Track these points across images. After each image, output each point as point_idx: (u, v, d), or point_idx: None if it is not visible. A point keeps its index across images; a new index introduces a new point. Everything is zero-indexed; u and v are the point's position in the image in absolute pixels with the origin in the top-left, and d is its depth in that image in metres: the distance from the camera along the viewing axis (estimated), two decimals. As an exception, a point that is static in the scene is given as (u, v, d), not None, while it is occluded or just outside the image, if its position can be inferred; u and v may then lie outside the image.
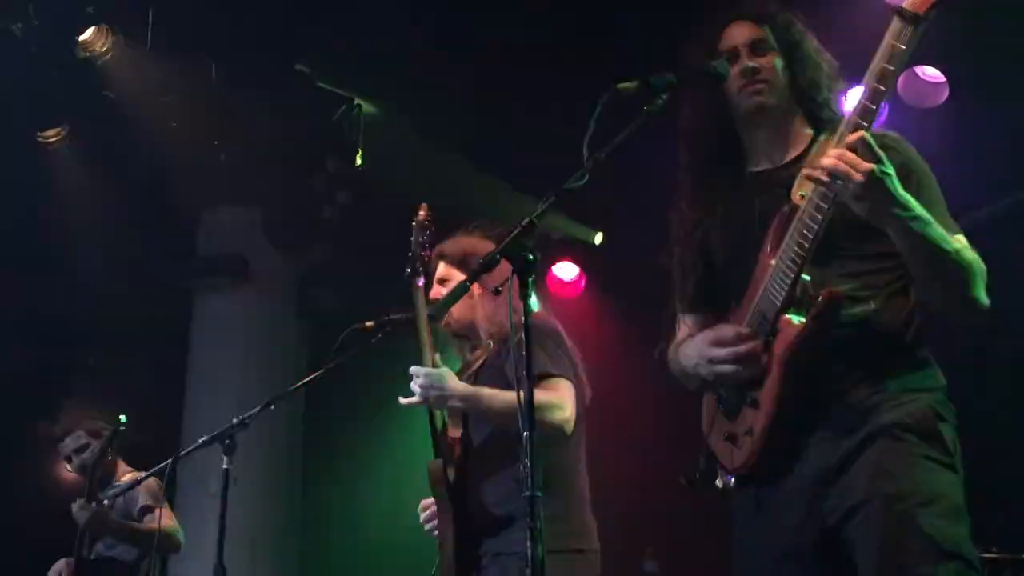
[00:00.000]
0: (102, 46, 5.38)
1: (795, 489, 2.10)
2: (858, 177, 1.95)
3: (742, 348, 2.13)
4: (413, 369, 3.04)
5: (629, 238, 6.15)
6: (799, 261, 2.07)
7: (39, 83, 5.43)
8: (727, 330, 2.18)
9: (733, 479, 2.18)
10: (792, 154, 2.27)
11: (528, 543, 1.91)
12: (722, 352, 2.15)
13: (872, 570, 1.97)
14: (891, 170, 1.98)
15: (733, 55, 2.26)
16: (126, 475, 4.60)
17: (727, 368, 2.15)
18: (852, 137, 1.98)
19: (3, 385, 6.68)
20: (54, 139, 6.05)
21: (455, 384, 3.01)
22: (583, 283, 6.61)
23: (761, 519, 2.17)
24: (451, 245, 3.32)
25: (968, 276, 2.05)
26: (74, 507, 4.33)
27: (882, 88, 1.98)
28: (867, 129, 1.99)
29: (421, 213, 3.29)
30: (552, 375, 3.03)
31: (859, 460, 2.04)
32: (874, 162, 1.95)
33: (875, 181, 1.95)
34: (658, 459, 5.81)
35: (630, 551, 5.91)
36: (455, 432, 3.18)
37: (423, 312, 3.17)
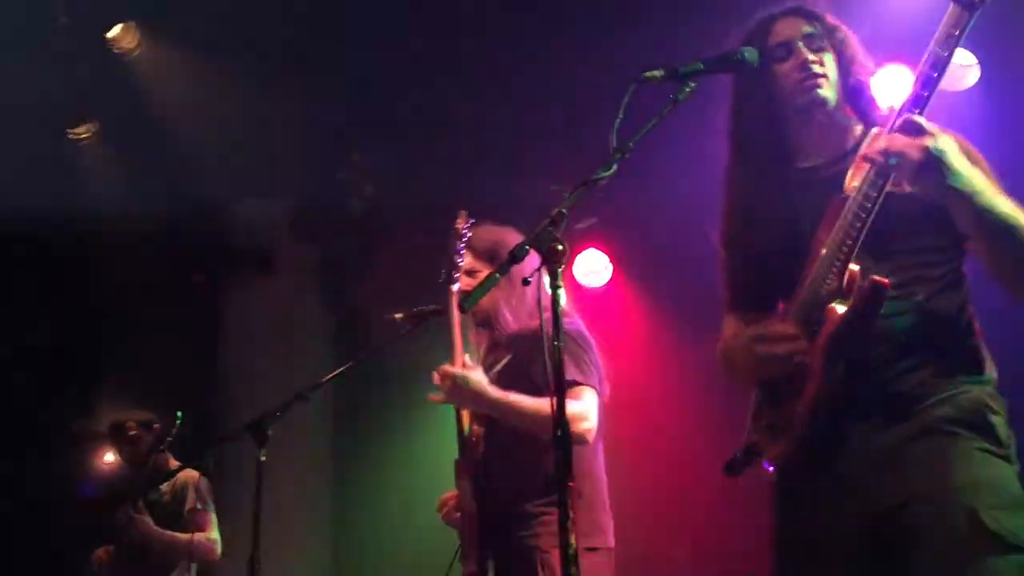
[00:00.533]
0: (130, 42, 5.43)
1: (841, 480, 2.08)
2: (915, 154, 1.93)
3: (780, 349, 2.12)
4: (442, 370, 3.06)
5: (658, 226, 6.13)
6: (848, 251, 2.06)
7: (69, 80, 5.48)
8: (772, 328, 2.18)
9: (772, 468, 2.17)
10: (842, 150, 2.26)
11: (561, 534, 1.92)
12: (764, 349, 2.15)
13: (929, 564, 1.95)
14: (947, 147, 1.95)
15: (787, 49, 2.24)
16: (176, 470, 4.64)
17: (770, 365, 2.15)
18: (903, 121, 1.97)
19: (35, 379, 6.77)
20: (84, 135, 6.11)
21: (484, 388, 3.03)
22: (611, 272, 6.58)
23: (805, 510, 2.15)
24: (478, 236, 3.33)
25: None
26: (119, 513, 4.39)
27: (935, 75, 1.97)
28: (919, 115, 1.98)
29: (459, 222, 3.29)
30: (578, 383, 3.04)
31: (910, 453, 2.03)
32: (931, 138, 1.94)
33: (932, 157, 1.93)
34: (689, 449, 5.80)
35: (664, 545, 5.90)
36: (479, 429, 3.20)
37: (456, 319, 3.18)
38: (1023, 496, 2.01)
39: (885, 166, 1.99)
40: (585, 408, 3.02)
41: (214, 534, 4.53)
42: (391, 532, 6.71)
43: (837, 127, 2.27)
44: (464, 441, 3.20)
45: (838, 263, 2.07)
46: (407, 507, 6.29)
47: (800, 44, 2.24)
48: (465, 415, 3.21)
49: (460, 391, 3.01)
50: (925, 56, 1.98)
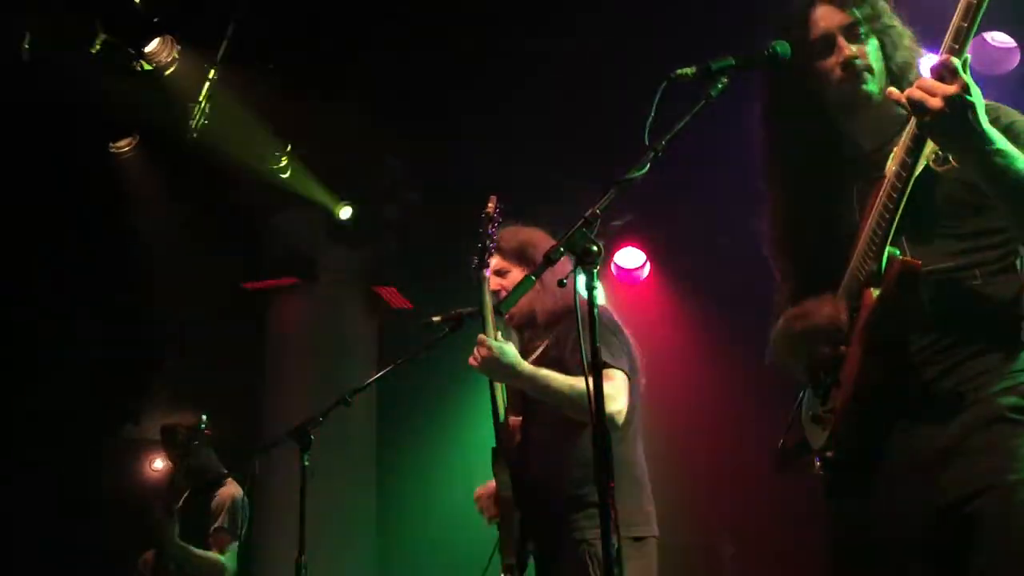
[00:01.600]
0: (167, 56, 5.50)
1: (900, 472, 2.04)
2: (935, 102, 1.83)
3: (818, 319, 2.10)
4: (481, 337, 3.09)
5: (695, 223, 6.11)
6: (883, 233, 2.01)
7: (109, 95, 5.56)
8: (810, 304, 2.14)
9: (819, 461, 2.13)
10: (890, 134, 2.18)
11: (603, 530, 1.92)
12: (800, 324, 2.12)
13: (995, 556, 1.91)
14: (977, 99, 1.84)
15: (827, 42, 2.17)
16: (222, 477, 4.68)
17: (811, 340, 2.11)
18: (936, 64, 1.86)
19: (88, 390, 6.90)
20: (126, 149, 6.21)
21: (517, 360, 3.06)
22: (648, 269, 6.57)
23: (861, 503, 2.10)
24: (507, 237, 3.34)
25: None
26: (149, 515, 4.45)
27: (956, 46, 1.87)
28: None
29: (490, 205, 3.32)
30: (608, 366, 3.04)
31: (974, 444, 1.97)
32: (959, 87, 1.83)
33: (954, 106, 1.83)
34: (729, 443, 5.78)
35: (707, 535, 5.88)
36: (516, 419, 3.22)
37: (489, 301, 3.21)
38: None
39: (916, 139, 1.93)
40: (614, 388, 3.02)
41: (225, 557, 4.55)
42: (434, 533, 6.75)
43: (884, 114, 2.18)
44: (501, 430, 3.22)
45: (875, 247, 2.02)
46: (450, 505, 6.32)
47: (840, 37, 2.17)
48: (501, 404, 3.22)
49: (495, 361, 3.03)
50: (949, 29, 1.90)
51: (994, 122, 1.95)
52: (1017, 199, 1.94)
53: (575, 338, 3.03)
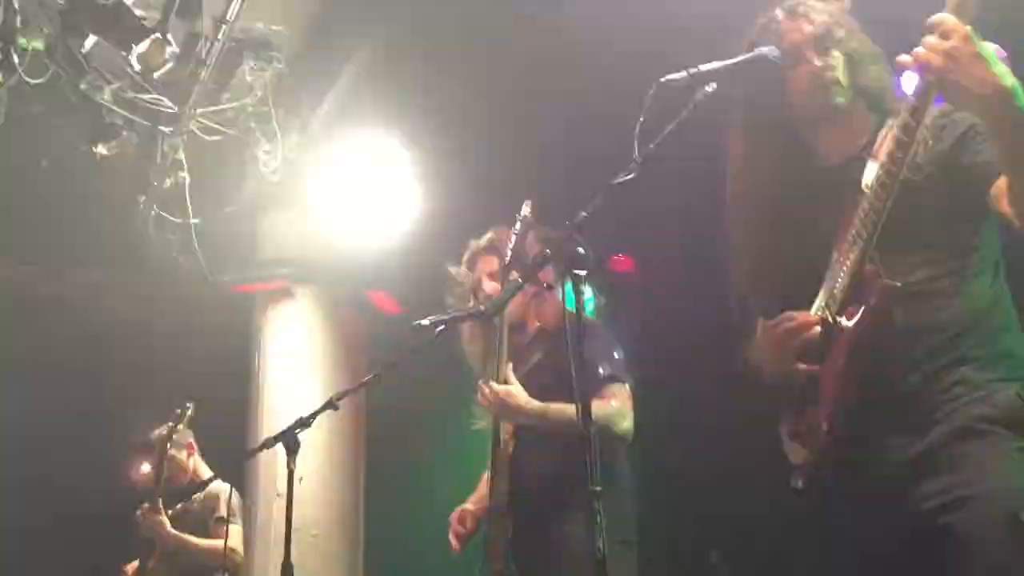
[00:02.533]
0: (158, 58, 5.48)
1: (876, 484, 2.05)
2: (936, 59, 1.79)
3: (794, 323, 2.10)
4: (483, 387, 3.16)
5: (673, 230, 6.11)
6: (862, 249, 2.02)
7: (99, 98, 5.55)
8: (788, 314, 2.15)
9: (801, 480, 2.14)
10: (860, 146, 2.20)
11: (593, 536, 1.93)
12: (778, 329, 2.13)
13: (970, 567, 1.92)
14: (987, 53, 1.80)
15: (795, 55, 2.19)
16: (208, 480, 4.69)
17: (788, 342, 2.12)
18: (928, 23, 1.84)
19: (75, 393, 6.87)
20: (114, 150, 6.17)
21: (523, 403, 3.11)
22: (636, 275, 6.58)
23: (841, 516, 2.12)
24: (496, 239, 3.35)
25: None
26: (139, 516, 4.43)
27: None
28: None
29: (526, 208, 3.26)
30: (614, 379, 3.07)
31: (948, 455, 1.98)
32: (959, 39, 1.79)
33: (958, 58, 1.78)
34: (721, 450, 5.78)
35: (695, 541, 5.88)
36: (510, 427, 3.23)
37: (506, 330, 3.23)
38: None
39: (900, 145, 1.93)
40: (624, 406, 3.09)
41: (233, 543, 4.57)
42: (422, 537, 6.72)
43: (854, 125, 2.23)
44: (496, 439, 3.24)
45: (851, 262, 2.04)
46: (439, 510, 6.30)
47: (807, 51, 2.19)
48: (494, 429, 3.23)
49: (503, 406, 3.11)
50: None
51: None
52: None
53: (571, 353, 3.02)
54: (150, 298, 6.81)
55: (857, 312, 2.02)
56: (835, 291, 2.07)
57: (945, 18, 1.82)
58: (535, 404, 3.08)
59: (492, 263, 3.34)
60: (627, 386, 3.13)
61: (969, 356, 2.03)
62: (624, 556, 3.03)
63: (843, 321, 2.04)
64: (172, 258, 6.35)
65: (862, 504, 2.07)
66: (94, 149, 5.60)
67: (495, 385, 3.12)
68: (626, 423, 3.06)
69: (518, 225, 3.21)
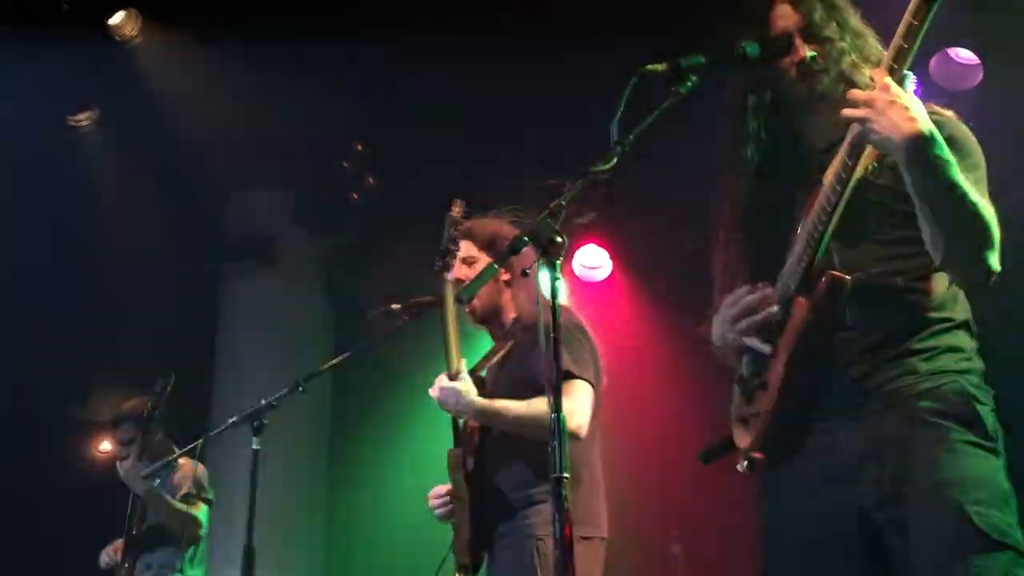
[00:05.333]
0: (132, 30, 5.42)
1: (825, 474, 2.07)
2: (858, 112, 1.92)
3: (757, 317, 2.12)
4: (436, 381, 3.12)
5: (658, 220, 6.13)
6: (816, 239, 2.05)
7: (70, 67, 5.47)
8: (745, 293, 2.17)
9: (746, 463, 2.15)
10: (840, 136, 2.16)
11: (554, 524, 1.92)
12: (742, 323, 2.14)
13: (916, 559, 1.93)
14: (908, 100, 1.91)
15: (785, 42, 2.20)
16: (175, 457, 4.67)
17: (744, 330, 2.14)
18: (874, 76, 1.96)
19: (34, 369, 6.77)
20: (84, 122, 6.10)
21: (471, 399, 3.06)
22: (610, 267, 6.58)
23: (789, 505, 2.14)
24: (478, 226, 3.32)
25: (986, 234, 1.97)
26: (120, 464, 4.43)
27: (895, 67, 1.94)
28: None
29: (455, 208, 3.29)
30: (572, 376, 3.03)
31: (896, 448, 2.00)
32: (880, 89, 1.92)
33: (877, 107, 1.91)
34: (684, 443, 5.81)
35: (655, 534, 5.91)
36: (473, 422, 3.21)
37: (451, 306, 3.18)
38: (1010, 491, 1.98)
39: (852, 149, 1.98)
40: (575, 404, 3.02)
41: (201, 516, 4.58)
42: (385, 524, 6.72)
43: (838, 115, 2.22)
44: (459, 432, 3.22)
45: (808, 252, 2.06)
46: (402, 499, 6.30)
47: (797, 37, 2.20)
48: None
49: (447, 404, 3.09)
50: (891, 47, 1.96)
51: (937, 125, 1.97)
52: (940, 216, 1.96)
53: (540, 353, 3.02)
54: (117, 272, 6.72)
55: (806, 302, 2.05)
56: (789, 279, 2.10)
57: (875, 71, 1.95)
58: (480, 401, 3.04)
59: (468, 247, 3.31)
60: (586, 384, 3.07)
61: (916, 348, 2.05)
62: (585, 551, 2.99)
63: (794, 311, 2.06)
64: (138, 234, 6.29)
65: (810, 491, 2.08)
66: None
67: (444, 380, 3.10)
68: (576, 419, 2.97)
69: (446, 225, 3.25)
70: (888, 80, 1.92)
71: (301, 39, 5.61)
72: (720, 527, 5.68)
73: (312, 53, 5.70)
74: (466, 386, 3.07)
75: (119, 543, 4.58)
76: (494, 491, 3.12)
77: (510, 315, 3.29)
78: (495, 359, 3.25)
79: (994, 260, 1.99)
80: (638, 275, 6.58)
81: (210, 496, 4.72)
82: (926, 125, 1.91)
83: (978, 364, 2.09)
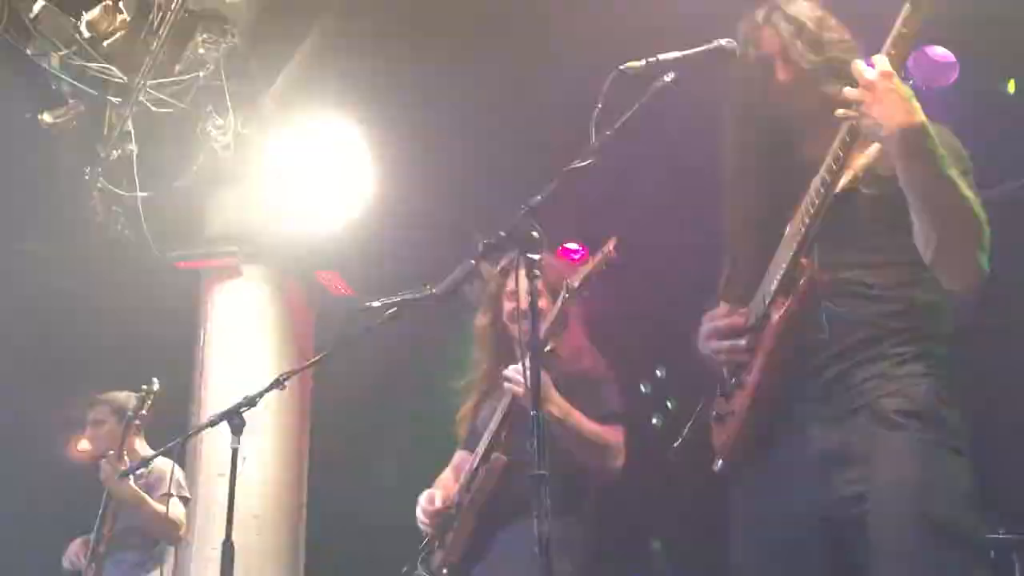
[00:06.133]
0: (108, 26, 5.37)
1: (794, 472, 2.09)
2: (855, 93, 1.93)
3: (724, 346, 2.17)
4: (513, 369, 3.09)
5: (631, 220, 6.14)
6: (801, 240, 2.07)
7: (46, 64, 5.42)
8: (724, 321, 2.21)
9: (721, 461, 2.19)
10: (827, 149, 2.21)
11: (534, 522, 1.93)
12: (712, 343, 2.21)
13: (879, 558, 1.96)
14: (904, 90, 1.93)
15: (769, 62, 2.24)
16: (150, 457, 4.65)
17: (720, 355, 2.20)
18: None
19: (14, 369, 6.72)
20: (61, 119, 6.04)
21: (555, 394, 3.06)
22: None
23: (762, 505, 2.16)
24: (551, 270, 3.29)
25: (978, 231, 1.99)
26: (103, 464, 4.42)
27: (893, 51, 1.98)
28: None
29: (611, 247, 3.20)
30: (619, 417, 3.17)
31: (862, 446, 2.02)
32: (879, 74, 1.93)
33: (876, 92, 1.92)
34: (664, 442, 5.83)
35: (636, 530, 5.94)
36: (507, 433, 3.19)
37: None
38: (974, 491, 2.00)
39: (836, 158, 2.03)
40: (621, 446, 3.15)
41: (179, 515, 4.56)
42: (366, 521, 6.72)
43: (829, 124, 2.24)
44: (486, 439, 3.20)
45: (789, 254, 2.09)
46: (381, 495, 6.30)
47: (778, 61, 2.22)
48: (498, 415, 3.19)
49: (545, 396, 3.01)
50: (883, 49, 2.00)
51: None
52: (933, 208, 1.98)
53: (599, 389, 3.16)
54: (94, 273, 6.67)
55: (784, 303, 2.07)
56: (769, 285, 2.12)
57: (876, 57, 1.96)
58: (564, 402, 3.05)
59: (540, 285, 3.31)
60: (623, 428, 3.21)
61: (889, 353, 2.07)
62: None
63: (772, 312, 2.09)
64: (118, 232, 6.24)
65: (781, 489, 2.10)
66: (40, 118, 5.47)
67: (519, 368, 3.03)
68: (620, 461, 3.14)
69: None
70: (889, 68, 1.93)
71: (286, 29, 5.59)
72: (700, 522, 5.71)
73: (297, 46, 5.68)
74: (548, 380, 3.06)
75: (79, 543, 4.56)
76: (512, 503, 3.10)
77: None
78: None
79: (984, 260, 1.99)
80: (620, 270, 6.59)
81: (187, 494, 4.71)
82: (920, 116, 1.93)
83: (945, 363, 2.11)
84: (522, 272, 2.04)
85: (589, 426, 3.07)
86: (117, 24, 4.88)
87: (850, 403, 2.06)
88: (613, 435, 3.13)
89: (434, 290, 3.18)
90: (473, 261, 2.16)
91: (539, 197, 2.04)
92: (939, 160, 1.94)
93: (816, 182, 2.07)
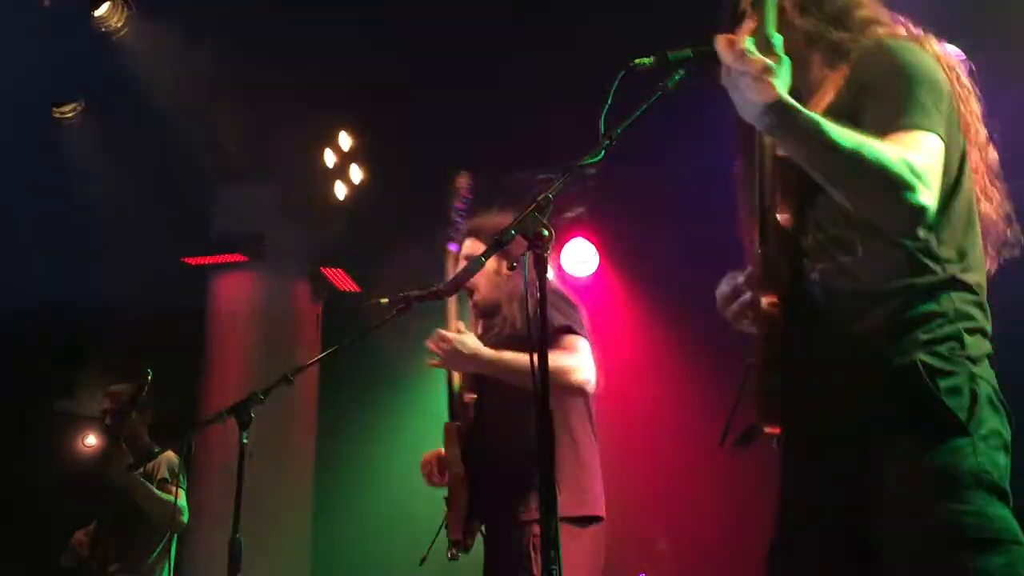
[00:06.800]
0: (117, 21, 5.38)
1: (817, 453, 2.03)
2: (726, 81, 1.85)
3: (733, 307, 2.13)
4: (438, 333, 3.07)
5: (644, 216, 6.14)
6: (760, 214, 2.04)
7: (55, 58, 5.43)
8: (724, 286, 2.18)
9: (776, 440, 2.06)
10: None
11: (542, 519, 1.91)
12: (722, 295, 2.17)
13: (898, 557, 1.87)
14: (753, 68, 1.80)
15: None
16: (156, 452, 4.67)
17: (732, 317, 2.15)
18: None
19: (21, 363, 6.74)
20: (70, 114, 6.06)
21: (478, 348, 3.03)
22: (597, 261, 6.59)
23: (790, 481, 2.10)
24: (486, 224, 3.30)
25: (884, 172, 1.81)
26: (101, 455, 4.43)
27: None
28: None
29: (460, 180, 3.26)
30: (572, 331, 3.04)
31: (871, 430, 1.94)
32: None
33: (737, 77, 1.82)
34: (672, 437, 5.83)
35: (643, 528, 5.93)
36: (470, 396, 3.20)
37: (451, 277, 3.19)
38: (977, 473, 1.84)
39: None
40: (581, 359, 3.02)
41: (181, 503, 4.58)
42: (373, 516, 6.73)
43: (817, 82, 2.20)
44: (455, 405, 3.21)
45: (760, 235, 2.06)
46: (389, 491, 6.31)
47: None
48: (456, 380, 3.20)
49: (457, 354, 3.02)
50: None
51: (864, 64, 1.98)
52: (820, 173, 1.90)
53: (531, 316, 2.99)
54: (102, 269, 6.69)
55: (764, 303, 2.03)
56: (751, 263, 2.11)
57: (721, 38, 1.85)
58: (489, 351, 3.01)
59: (474, 245, 3.30)
60: (586, 341, 3.05)
61: (868, 326, 1.95)
62: (580, 534, 2.99)
63: (761, 298, 2.03)
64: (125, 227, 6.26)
65: (801, 479, 2.04)
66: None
67: (445, 332, 3.05)
68: (583, 374, 2.98)
69: (451, 197, 3.23)
70: (737, 47, 1.82)
71: (289, 32, 5.60)
72: (707, 521, 5.70)
73: (301, 47, 5.69)
74: (471, 335, 3.06)
75: (81, 536, 4.57)
76: (490, 468, 3.11)
77: (507, 306, 3.29)
78: (488, 336, 3.24)
79: (915, 196, 1.83)
80: (625, 270, 6.59)
81: (183, 484, 4.71)
82: (773, 93, 1.81)
83: (944, 328, 1.94)
84: (530, 266, 2.02)
85: (523, 361, 2.86)
86: (125, 19, 4.88)
87: (844, 381, 1.97)
88: (559, 355, 2.96)
89: (441, 286, 3.20)
90: (483, 258, 2.14)
91: (548, 192, 2.02)
92: (806, 125, 1.83)
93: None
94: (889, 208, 1.86)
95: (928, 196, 1.85)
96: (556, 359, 2.83)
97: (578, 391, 3.01)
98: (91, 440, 7.32)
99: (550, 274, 2.02)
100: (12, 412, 6.82)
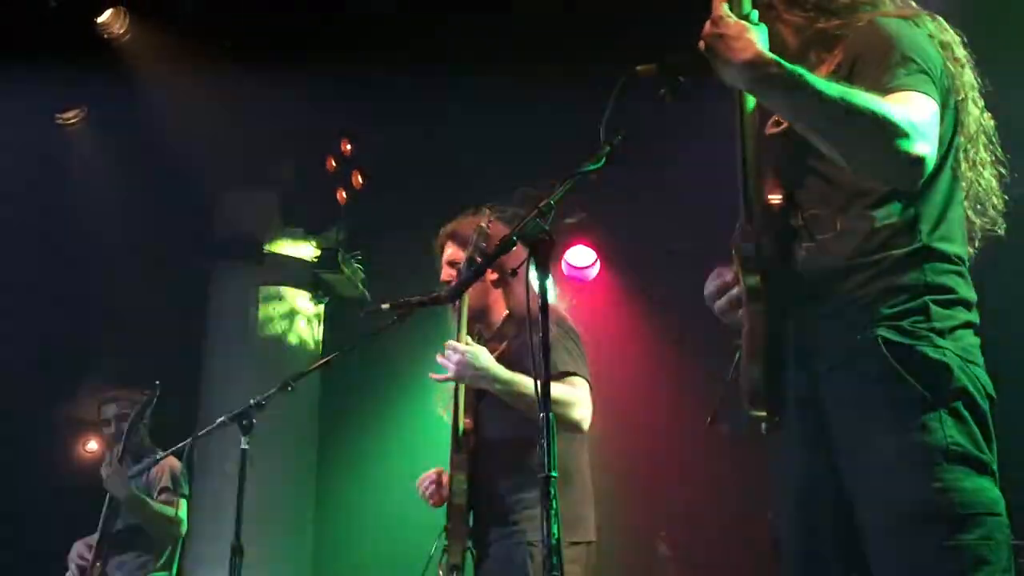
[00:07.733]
0: (120, 27, 5.40)
1: (804, 440, 2.02)
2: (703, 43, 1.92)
3: (721, 302, 2.13)
4: (450, 344, 3.05)
5: (646, 222, 6.14)
6: (743, 188, 2.05)
7: (58, 64, 5.44)
8: (711, 282, 2.18)
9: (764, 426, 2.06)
10: None
11: (543, 523, 1.91)
12: (709, 298, 2.17)
13: (876, 539, 1.86)
14: (734, 30, 1.89)
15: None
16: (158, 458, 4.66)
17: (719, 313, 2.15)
18: None
19: (22, 368, 6.73)
20: (72, 120, 6.07)
21: (492, 364, 3.02)
22: (599, 267, 6.59)
23: (783, 460, 2.10)
24: (461, 227, 3.31)
25: (875, 120, 1.81)
26: (103, 468, 4.43)
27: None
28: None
29: (483, 220, 3.18)
30: (575, 374, 3.06)
31: (847, 411, 1.93)
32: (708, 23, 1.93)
33: (708, 40, 1.92)
34: (672, 441, 5.82)
35: (643, 534, 5.93)
36: (469, 423, 3.20)
37: (466, 303, 3.18)
38: (946, 448, 1.82)
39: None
40: (579, 397, 3.04)
41: (181, 514, 4.57)
42: (374, 522, 6.72)
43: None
44: (458, 434, 3.20)
45: (745, 208, 2.06)
46: (390, 497, 6.29)
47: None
48: (461, 408, 3.19)
49: (468, 367, 3.01)
50: None
51: (856, 36, 2.00)
52: (809, 125, 1.91)
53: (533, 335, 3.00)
54: (102, 274, 6.68)
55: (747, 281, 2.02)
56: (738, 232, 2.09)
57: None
58: (500, 368, 3.00)
59: (454, 251, 3.29)
60: (587, 383, 3.08)
61: (845, 304, 1.94)
62: (578, 557, 3.00)
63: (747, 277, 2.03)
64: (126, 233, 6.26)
65: (790, 458, 2.03)
66: None
67: (457, 344, 3.04)
68: (582, 411, 3.01)
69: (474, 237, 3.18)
70: (714, 15, 1.92)
71: (290, 37, 5.61)
72: (708, 527, 5.69)
73: (301, 51, 5.70)
74: (484, 350, 3.05)
75: (83, 544, 4.57)
76: (489, 494, 3.12)
77: (499, 314, 3.29)
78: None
79: (909, 144, 1.81)
80: (627, 275, 6.59)
81: (185, 492, 4.71)
82: (750, 51, 1.87)
83: (923, 299, 1.92)
84: (532, 273, 2.03)
85: (532, 385, 2.91)
86: (127, 26, 4.90)
87: (822, 358, 1.96)
88: (565, 388, 2.98)
89: (442, 292, 3.20)
90: (481, 265, 2.14)
91: (550, 200, 2.03)
92: (791, 78, 1.85)
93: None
94: (886, 157, 1.84)
95: (925, 146, 1.84)
96: (560, 392, 2.89)
97: (574, 427, 3.03)
98: (92, 446, 7.30)
99: (551, 290, 2.02)
100: (11, 416, 6.81)
